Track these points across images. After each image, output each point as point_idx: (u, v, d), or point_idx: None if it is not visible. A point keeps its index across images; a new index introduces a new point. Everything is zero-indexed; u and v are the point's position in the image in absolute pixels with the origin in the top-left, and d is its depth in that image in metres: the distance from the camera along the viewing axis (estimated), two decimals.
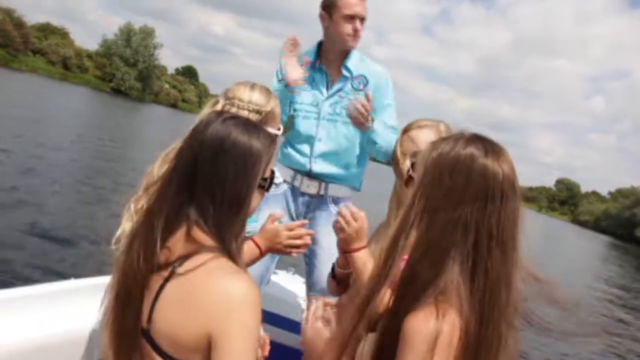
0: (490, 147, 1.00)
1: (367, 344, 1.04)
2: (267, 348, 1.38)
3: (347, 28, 2.40)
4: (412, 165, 1.41)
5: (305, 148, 2.49)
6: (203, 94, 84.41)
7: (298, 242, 1.65)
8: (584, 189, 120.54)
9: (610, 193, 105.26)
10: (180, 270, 1.00)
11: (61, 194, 8.33)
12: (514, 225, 0.97)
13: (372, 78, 2.48)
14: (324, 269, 2.26)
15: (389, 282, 1.00)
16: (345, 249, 1.46)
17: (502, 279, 0.95)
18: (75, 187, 9.08)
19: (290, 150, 2.50)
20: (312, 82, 2.48)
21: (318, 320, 1.34)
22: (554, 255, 23.62)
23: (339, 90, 2.46)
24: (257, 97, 1.68)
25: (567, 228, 70.59)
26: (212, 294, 0.97)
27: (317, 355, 1.27)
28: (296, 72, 2.32)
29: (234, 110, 1.62)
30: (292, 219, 2.43)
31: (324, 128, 2.46)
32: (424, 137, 1.52)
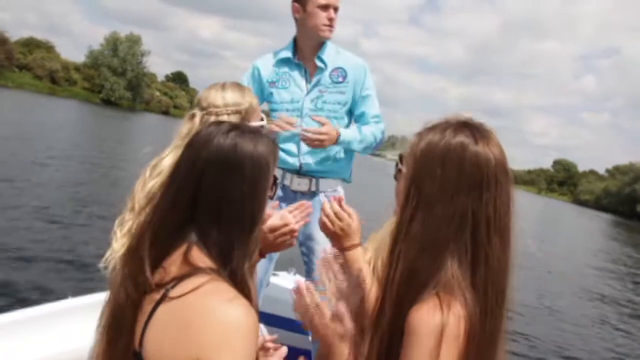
0: (479, 133, 0.97)
1: (370, 342, 1.00)
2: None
3: (322, 18, 2.38)
4: (401, 158, 1.32)
5: (292, 147, 2.48)
6: (195, 99, 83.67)
7: (286, 237, 1.56)
8: (581, 168, 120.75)
9: (607, 171, 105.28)
10: (172, 293, 0.93)
11: (52, 210, 8.01)
12: (509, 210, 0.96)
13: (350, 70, 2.47)
14: None
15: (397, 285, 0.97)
16: (336, 247, 1.43)
17: (502, 266, 0.94)
18: (65, 203, 8.73)
19: None
20: (290, 79, 2.48)
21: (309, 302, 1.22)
22: (555, 237, 23.48)
23: (317, 83, 2.46)
24: (231, 98, 1.63)
25: (568, 208, 70.53)
26: (205, 321, 0.89)
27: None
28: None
29: (212, 118, 1.57)
30: None
31: (308, 124, 2.42)
32: None
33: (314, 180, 2.48)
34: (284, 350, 1.26)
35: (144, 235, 1.02)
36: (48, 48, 64.58)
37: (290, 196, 2.49)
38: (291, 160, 2.48)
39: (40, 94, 51.87)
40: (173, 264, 0.98)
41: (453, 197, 0.94)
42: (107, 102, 63.46)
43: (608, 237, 30.96)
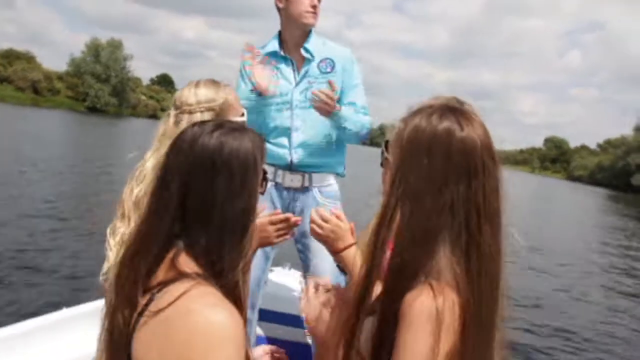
0: (463, 117, 0.96)
1: (365, 330, 0.98)
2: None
3: (305, 5, 2.35)
4: (386, 145, 1.26)
5: (283, 141, 2.44)
6: None
7: (287, 229, 1.56)
8: (573, 144, 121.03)
9: (599, 145, 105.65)
10: (157, 302, 0.91)
11: (38, 221, 7.88)
12: (498, 194, 0.96)
13: (338, 60, 2.45)
14: (318, 260, 2.32)
15: (378, 273, 0.97)
16: (331, 251, 1.45)
17: (494, 252, 0.94)
18: (52, 214, 8.54)
19: (267, 146, 2.29)
20: (278, 72, 2.43)
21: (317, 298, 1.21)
22: (551, 215, 23.37)
23: (306, 74, 2.44)
24: (203, 94, 1.59)
25: (562, 185, 70.55)
26: (189, 327, 0.87)
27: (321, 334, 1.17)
28: (267, 78, 2.31)
29: (186, 117, 1.56)
30: None
31: (298, 117, 2.41)
32: None
33: (306, 176, 2.44)
34: None
35: (135, 250, 0.99)
36: (29, 59, 63.93)
37: (284, 193, 2.46)
38: (282, 152, 2.43)
39: (23, 106, 51.26)
40: (160, 269, 0.97)
41: (442, 189, 0.93)
42: (93, 110, 62.95)
43: (605, 212, 30.91)
